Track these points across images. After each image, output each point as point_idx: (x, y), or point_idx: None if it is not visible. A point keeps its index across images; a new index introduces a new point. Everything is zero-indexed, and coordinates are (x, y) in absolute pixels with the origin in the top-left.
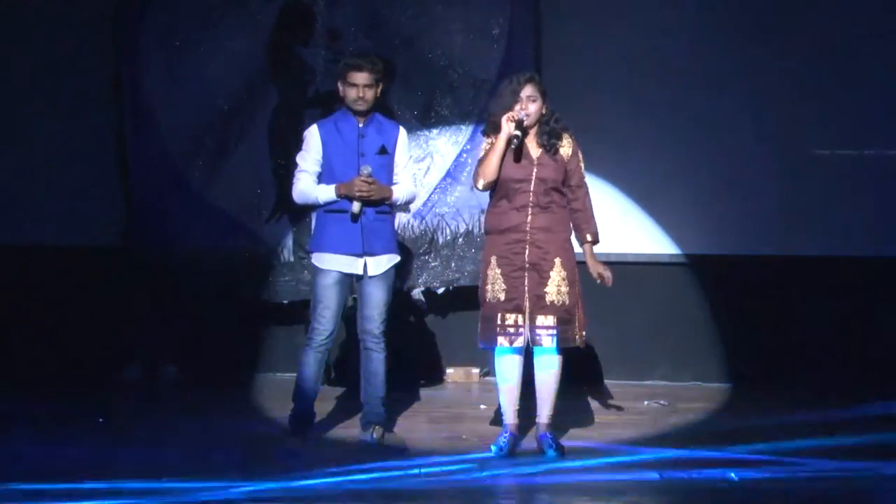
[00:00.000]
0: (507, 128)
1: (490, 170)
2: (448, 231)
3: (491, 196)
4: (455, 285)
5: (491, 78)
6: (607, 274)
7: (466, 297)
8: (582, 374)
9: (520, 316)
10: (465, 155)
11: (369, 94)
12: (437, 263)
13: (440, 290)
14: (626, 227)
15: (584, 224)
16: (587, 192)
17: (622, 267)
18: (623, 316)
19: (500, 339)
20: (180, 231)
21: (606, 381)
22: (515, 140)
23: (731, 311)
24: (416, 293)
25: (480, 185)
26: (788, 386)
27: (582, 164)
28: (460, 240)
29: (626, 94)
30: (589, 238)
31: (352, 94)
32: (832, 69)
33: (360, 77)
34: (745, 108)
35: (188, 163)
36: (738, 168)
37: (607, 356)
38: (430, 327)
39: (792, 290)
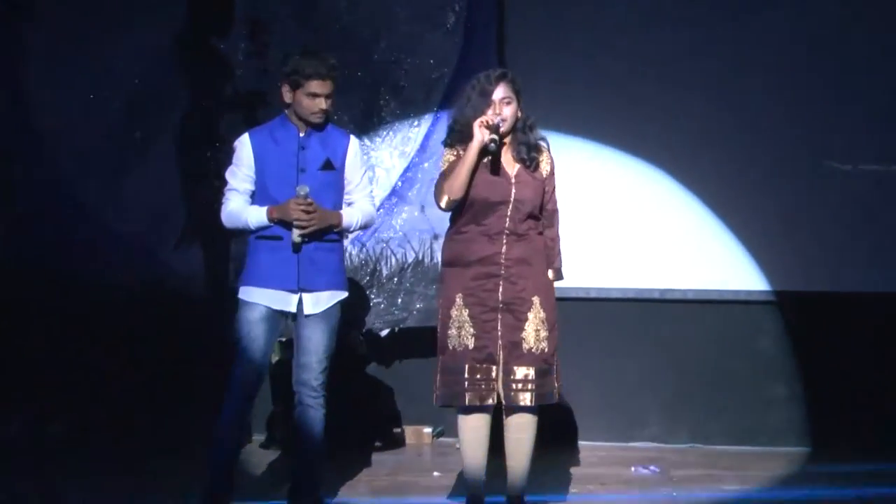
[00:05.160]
0: (481, 135)
1: (458, 184)
2: (393, 261)
3: (452, 219)
4: (401, 326)
5: (446, 76)
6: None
7: (415, 341)
8: (555, 433)
9: (493, 367)
10: (413, 169)
11: (329, 106)
12: (380, 300)
13: (384, 333)
14: (606, 257)
15: (551, 258)
16: (558, 220)
17: (604, 304)
18: (605, 363)
19: (469, 397)
20: (74, 262)
21: (584, 443)
22: (493, 144)
23: (735, 358)
24: (356, 336)
25: (444, 202)
26: (805, 448)
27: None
28: (408, 272)
29: (603, 92)
30: (551, 275)
31: (312, 105)
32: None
33: (325, 87)
34: (739, 107)
35: (81, 181)
36: (741, 183)
37: (586, 412)
38: (373, 378)
39: (809, 332)
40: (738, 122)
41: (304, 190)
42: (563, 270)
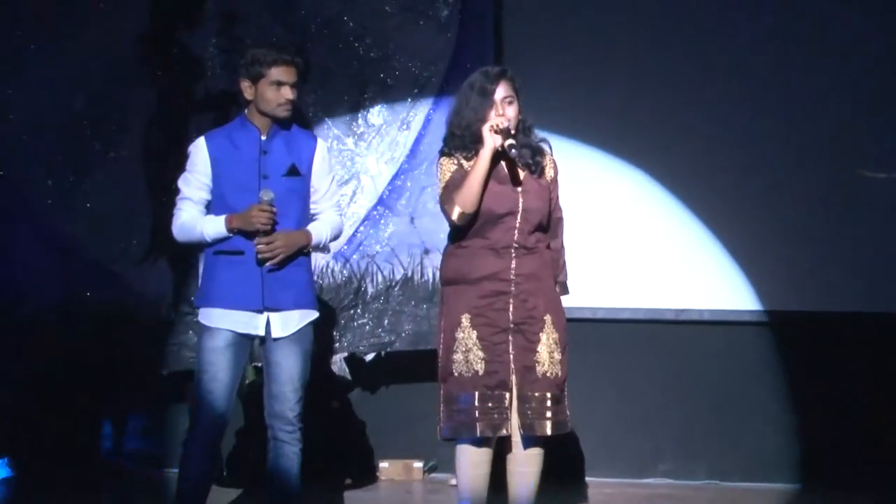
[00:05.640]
0: (493, 140)
1: (473, 196)
2: (380, 278)
3: (452, 232)
4: (389, 350)
5: (437, 75)
6: None
7: (404, 366)
8: (559, 468)
9: (506, 394)
10: (402, 176)
11: (295, 96)
12: (365, 321)
13: (369, 357)
14: (615, 274)
15: (556, 271)
16: (563, 228)
17: (613, 326)
18: (614, 390)
19: (481, 427)
20: (25, 281)
21: (591, 479)
22: (514, 150)
23: (758, 385)
24: (338, 361)
25: (457, 215)
26: (835, 486)
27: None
28: (396, 289)
29: (616, 94)
30: (556, 289)
31: (277, 96)
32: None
33: (290, 74)
34: (756, 111)
35: (35, 189)
36: (764, 194)
37: (592, 444)
38: (356, 407)
39: (841, 357)
40: (762, 134)
41: (268, 195)
42: (569, 286)
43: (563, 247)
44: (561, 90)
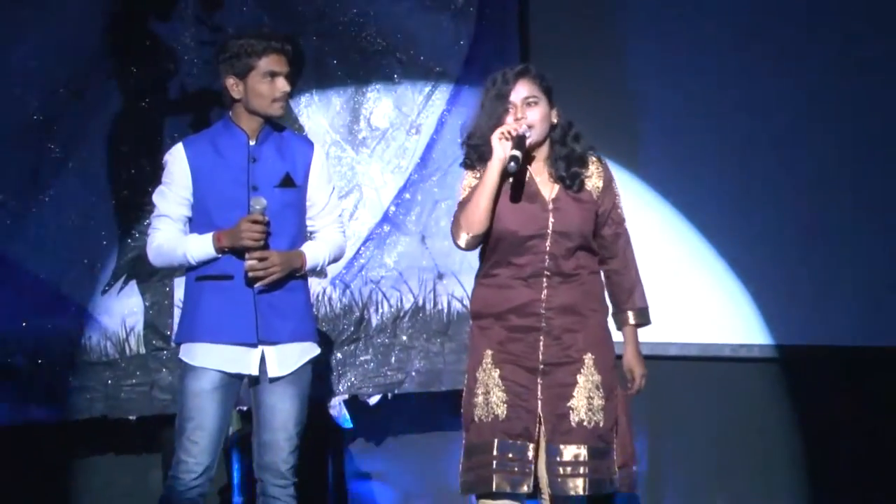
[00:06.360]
0: (501, 149)
1: (479, 217)
2: (386, 307)
3: (480, 258)
4: (397, 392)
5: (452, 70)
6: (641, 379)
7: (415, 411)
8: None
9: (529, 445)
10: (411, 189)
11: (289, 90)
12: (368, 357)
13: (374, 401)
14: (662, 305)
15: (625, 296)
16: (629, 245)
17: (660, 363)
18: (661, 438)
19: (497, 481)
20: None
21: None
22: (513, 163)
23: (833, 432)
24: (337, 405)
25: (462, 240)
26: None
27: (619, 202)
28: (405, 321)
29: (650, 97)
30: (632, 319)
31: (272, 89)
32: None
33: (282, 63)
34: (808, 124)
35: None
36: (823, 218)
37: (641, 487)
38: (358, 459)
39: None
40: (832, 159)
41: (260, 203)
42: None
43: (629, 266)
44: (594, 94)
